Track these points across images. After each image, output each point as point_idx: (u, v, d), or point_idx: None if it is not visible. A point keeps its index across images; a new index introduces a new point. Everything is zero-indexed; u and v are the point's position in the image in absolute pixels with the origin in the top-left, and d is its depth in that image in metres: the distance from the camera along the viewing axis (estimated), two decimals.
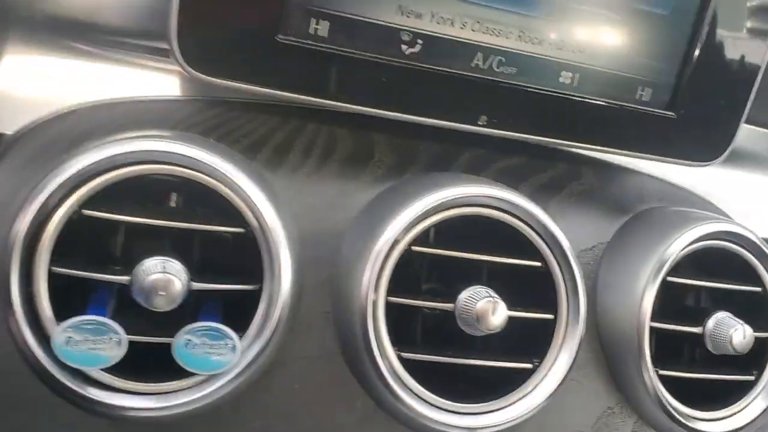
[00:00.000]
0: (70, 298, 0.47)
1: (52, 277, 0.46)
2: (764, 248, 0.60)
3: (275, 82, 0.49)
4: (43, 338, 0.46)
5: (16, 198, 0.47)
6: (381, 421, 0.54)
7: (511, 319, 0.51)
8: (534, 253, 0.54)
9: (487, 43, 0.52)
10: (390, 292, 0.51)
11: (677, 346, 0.61)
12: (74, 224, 0.46)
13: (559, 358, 0.54)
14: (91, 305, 0.47)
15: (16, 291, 0.45)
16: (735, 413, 0.60)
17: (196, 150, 0.47)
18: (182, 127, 0.52)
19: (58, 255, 0.46)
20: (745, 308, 0.60)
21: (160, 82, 0.54)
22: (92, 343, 0.46)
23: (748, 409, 0.61)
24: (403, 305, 0.51)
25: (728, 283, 0.60)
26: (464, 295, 0.51)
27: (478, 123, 0.54)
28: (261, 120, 0.55)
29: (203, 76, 0.48)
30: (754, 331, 0.58)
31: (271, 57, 0.49)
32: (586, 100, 0.55)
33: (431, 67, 0.52)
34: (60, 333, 0.45)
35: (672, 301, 0.60)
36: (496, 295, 0.50)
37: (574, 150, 0.61)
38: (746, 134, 0.67)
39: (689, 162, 0.60)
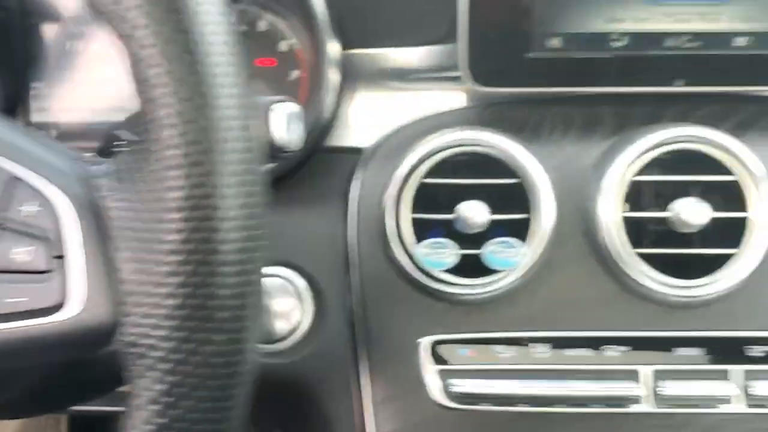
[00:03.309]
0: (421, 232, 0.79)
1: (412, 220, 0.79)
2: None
3: (534, 83, 0.78)
4: (407, 254, 0.79)
5: (383, 176, 0.80)
6: (624, 299, 0.80)
7: (713, 218, 0.74)
8: (728, 172, 0.75)
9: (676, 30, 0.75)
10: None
11: None
12: (418, 190, 0.78)
13: (754, 246, 0.75)
14: (431, 233, 0.79)
15: (391, 227, 0.79)
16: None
17: (487, 134, 0.77)
18: (472, 123, 0.82)
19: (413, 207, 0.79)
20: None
21: (450, 100, 0.85)
22: (436, 255, 0.78)
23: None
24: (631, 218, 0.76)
25: None
26: (679, 203, 0.74)
27: (677, 84, 0.77)
28: (523, 110, 0.82)
29: (486, 88, 0.77)
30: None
31: (527, 67, 0.77)
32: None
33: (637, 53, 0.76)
34: (420, 248, 0.77)
35: None
36: (701, 201, 0.74)
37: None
38: None
39: None
